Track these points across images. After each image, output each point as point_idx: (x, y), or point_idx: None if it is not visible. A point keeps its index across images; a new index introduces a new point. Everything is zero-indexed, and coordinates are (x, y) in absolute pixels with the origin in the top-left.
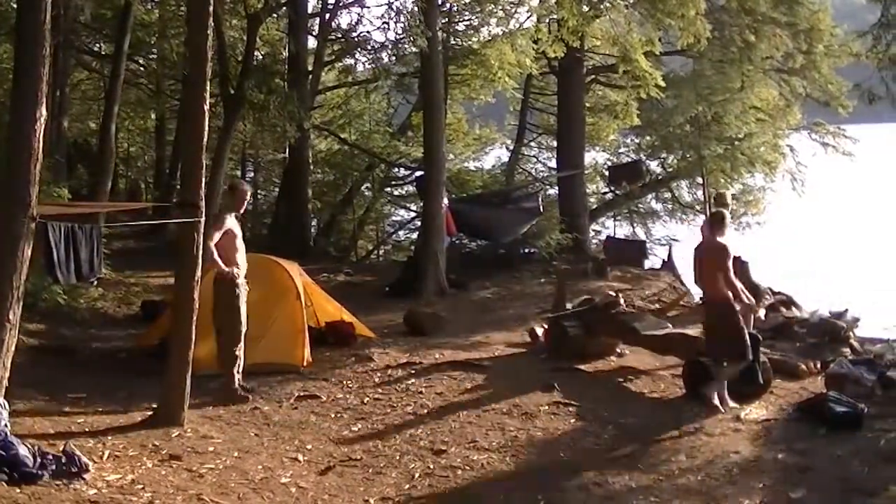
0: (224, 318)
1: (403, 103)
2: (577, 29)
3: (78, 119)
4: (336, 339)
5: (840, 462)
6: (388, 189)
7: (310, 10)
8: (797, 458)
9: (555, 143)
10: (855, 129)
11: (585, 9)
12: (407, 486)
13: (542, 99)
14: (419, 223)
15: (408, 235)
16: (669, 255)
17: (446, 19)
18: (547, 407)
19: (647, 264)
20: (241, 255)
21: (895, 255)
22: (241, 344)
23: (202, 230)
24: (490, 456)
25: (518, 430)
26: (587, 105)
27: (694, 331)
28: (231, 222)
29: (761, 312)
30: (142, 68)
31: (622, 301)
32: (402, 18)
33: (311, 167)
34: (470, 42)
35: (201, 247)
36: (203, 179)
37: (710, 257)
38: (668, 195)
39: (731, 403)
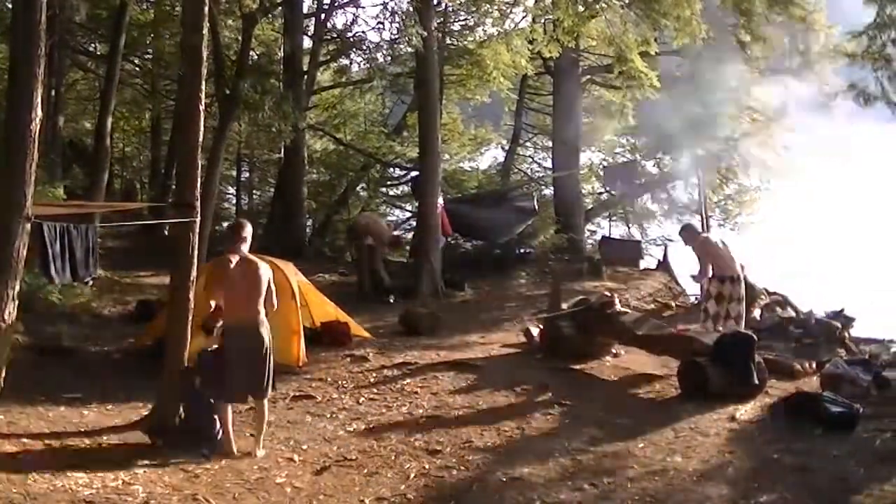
0: None
1: (399, 103)
2: (573, 29)
3: (73, 119)
4: (331, 340)
5: (836, 462)
6: (384, 189)
7: (305, 11)
8: (793, 459)
9: (550, 144)
10: (850, 129)
11: (581, 9)
12: (402, 486)
13: (538, 99)
14: (415, 223)
15: (403, 236)
16: (665, 256)
17: (441, 19)
18: (542, 407)
19: (643, 264)
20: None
21: (890, 255)
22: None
23: (197, 230)
24: (485, 456)
25: (513, 431)
26: (583, 105)
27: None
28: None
29: (757, 312)
30: (137, 68)
31: (617, 301)
32: (398, 18)
33: (307, 167)
34: (465, 42)
35: (196, 248)
36: (198, 179)
37: None
38: (663, 195)
39: None
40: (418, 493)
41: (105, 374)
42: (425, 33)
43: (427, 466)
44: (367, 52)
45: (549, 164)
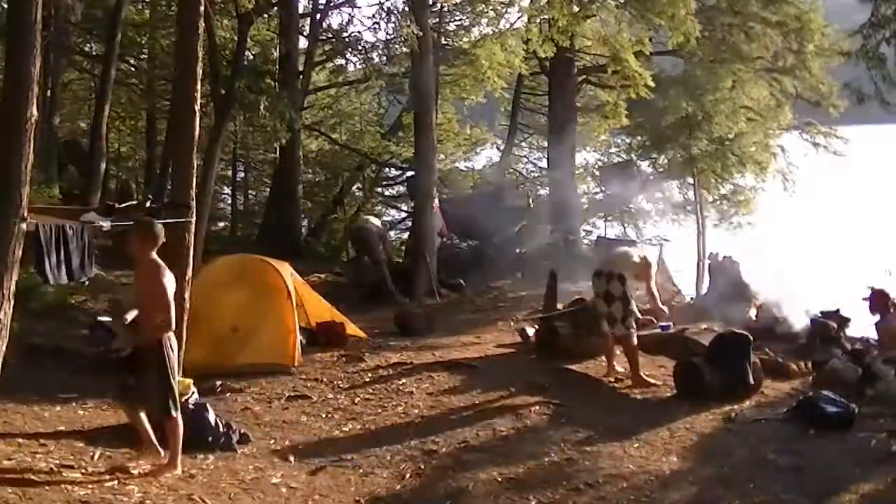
0: None
1: (394, 103)
2: (568, 29)
3: (69, 119)
4: (327, 340)
5: (831, 462)
6: (379, 189)
7: (301, 11)
8: (789, 459)
9: (545, 143)
10: (845, 129)
11: (576, 9)
12: (398, 486)
13: (533, 99)
14: (410, 223)
15: (399, 236)
16: (660, 255)
17: (437, 19)
18: (538, 407)
19: None
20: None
21: (886, 255)
22: None
23: (193, 230)
24: (481, 456)
25: (509, 430)
26: (578, 105)
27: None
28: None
29: (752, 312)
30: (133, 68)
31: None
32: (393, 19)
33: (302, 167)
34: (460, 42)
35: (191, 247)
36: (194, 179)
37: None
38: (658, 195)
39: None
40: (414, 493)
41: (100, 375)
42: (421, 33)
43: (422, 466)
44: (363, 52)
45: (544, 163)
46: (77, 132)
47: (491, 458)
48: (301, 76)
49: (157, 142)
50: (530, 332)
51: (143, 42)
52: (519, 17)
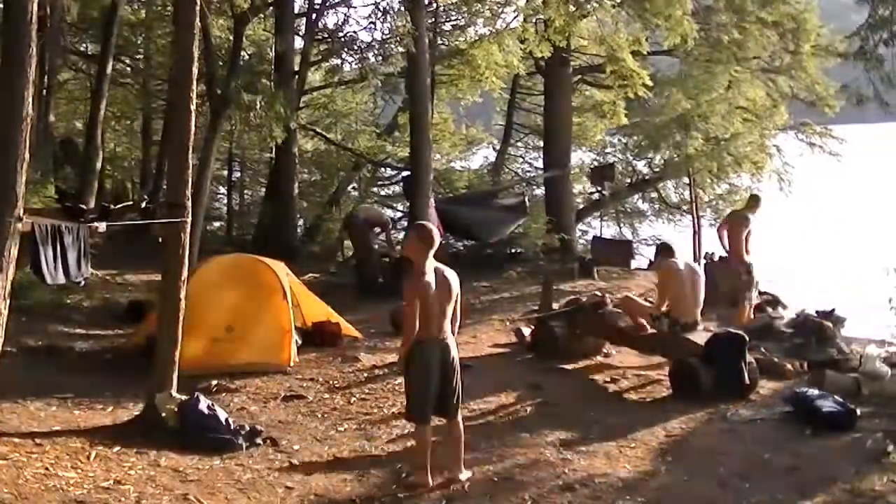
0: None
1: (390, 103)
2: (564, 29)
3: (64, 118)
4: (322, 340)
5: (827, 462)
6: (375, 189)
7: (296, 10)
8: (784, 459)
9: (541, 143)
10: (842, 129)
11: (572, 9)
12: (394, 485)
13: (529, 99)
14: (406, 223)
15: (394, 236)
16: (656, 255)
17: (433, 19)
18: (533, 407)
19: (634, 264)
20: None
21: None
22: None
23: (188, 229)
24: (476, 456)
25: (504, 430)
26: (574, 105)
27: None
28: None
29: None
30: (128, 68)
31: (609, 301)
32: (389, 18)
33: (298, 167)
34: (457, 42)
35: (187, 247)
36: (190, 179)
37: None
38: (654, 195)
39: None
40: (409, 492)
41: (96, 374)
42: (417, 33)
43: None
44: (359, 51)
45: (540, 163)
46: (73, 132)
47: (486, 458)
48: (296, 76)
49: (152, 141)
50: (526, 331)
51: (139, 42)
52: (515, 17)
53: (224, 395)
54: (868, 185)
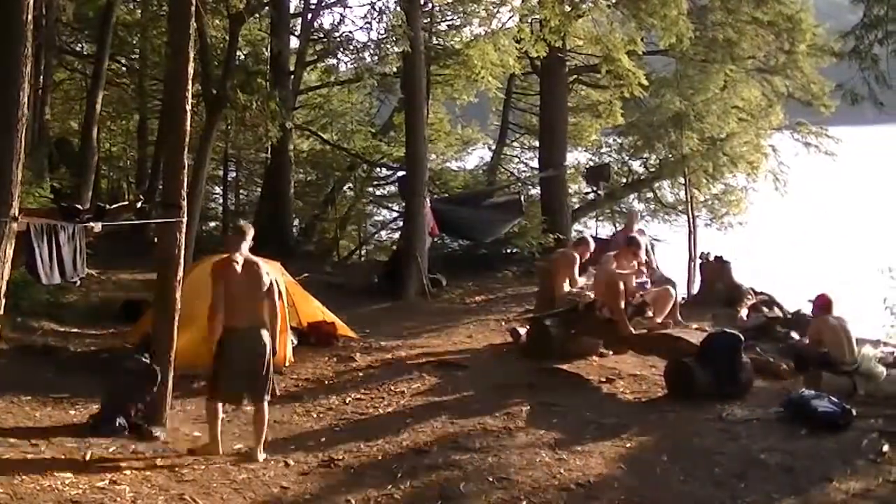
0: None
1: (385, 103)
2: (560, 29)
3: (60, 118)
4: (318, 339)
5: (822, 462)
6: (370, 189)
7: (292, 10)
8: (780, 458)
9: (537, 143)
10: (837, 130)
11: (567, 9)
12: (389, 485)
13: (525, 99)
14: (401, 223)
15: (390, 235)
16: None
17: (428, 19)
18: (528, 407)
19: None
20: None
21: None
22: None
23: (184, 230)
24: (472, 456)
25: (500, 430)
26: (569, 105)
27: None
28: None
29: (743, 312)
30: (124, 68)
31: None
32: (385, 18)
33: (293, 167)
34: (452, 42)
35: (183, 247)
36: (185, 179)
37: None
38: (650, 195)
39: None
40: (405, 492)
41: (92, 374)
42: (412, 33)
43: (414, 466)
44: (354, 51)
45: (535, 163)
46: (68, 132)
47: (482, 458)
48: (292, 76)
49: (148, 141)
50: (521, 331)
51: (135, 42)
52: (510, 17)
53: None
54: (863, 186)
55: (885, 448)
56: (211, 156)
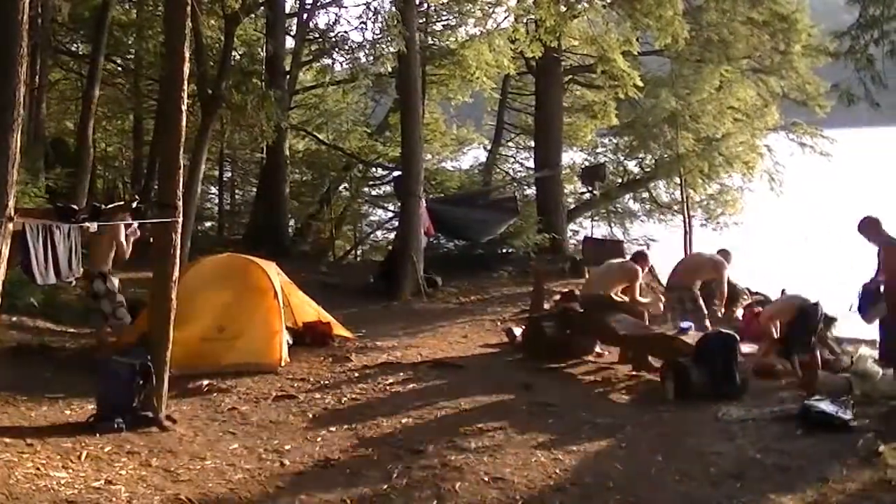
0: None
1: (381, 103)
2: (555, 29)
3: (55, 118)
4: (313, 340)
5: (818, 462)
6: (366, 189)
7: (287, 11)
8: (775, 458)
9: (532, 143)
10: (833, 133)
11: (563, 9)
12: (385, 486)
13: (520, 99)
14: (397, 223)
15: (385, 235)
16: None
17: (424, 19)
18: (524, 407)
19: None
20: None
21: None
22: None
23: (179, 229)
24: (468, 456)
25: (495, 430)
26: (565, 105)
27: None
28: None
29: (739, 312)
30: (119, 68)
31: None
32: (380, 18)
33: (289, 167)
34: (447, 42)
35: (178, 247)
36: (181, 179)
37: None
38: (645, 195)
39: None
40: (400, 493)
41: (87, 374)
42: (408, 33)
43: (409, 466)
44: (350, 51)
45: (531, 163)
46: (64, 132)
47: (477, 458)
48: (288, 76)
49: (143, 141)
50: (517, 331)
51: (130, 42)
52: (506, 17)
53: (216, 394)
54: (859, 187)
55: (881, 448)
56: (206, 156)
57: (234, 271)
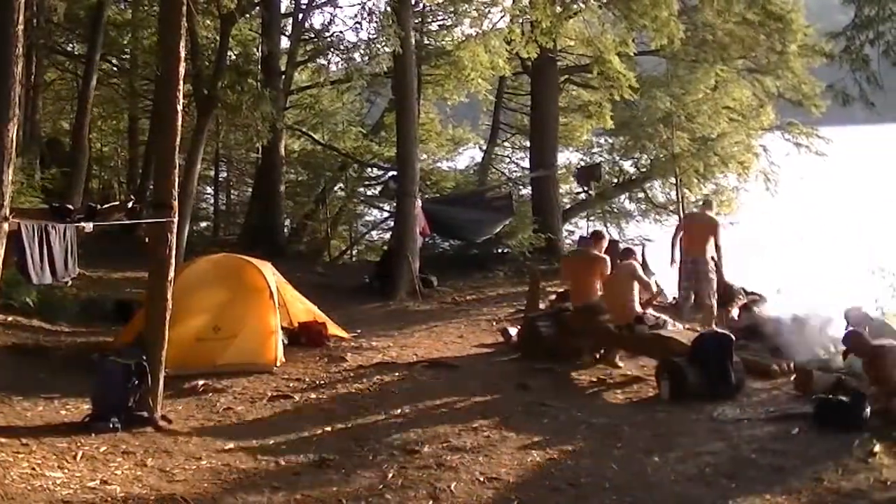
0: None
1: (376, 103)
2: (551, 30)
3: (51, 118)
4: (309, 340)
5: (813, 462)
6: (361, 189)
7: (283, 10)
8: (770, 458)
9: (528, 143)
10: (829, 131)
11: (559, 9)
12: (380, 485)
13: (516, 99)
14: (392, 223)
15: (381, 235)
16: (643, 255)
17: (419, 19)
18: (520, 407)
19: None
20: None
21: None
22: None
23: (175, 230)
24: (463, 456)
25: (490, 430)
26: (560, 105)
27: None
28: None
29: (734, 312)
30: (115, 68)
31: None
32: (375, 18)
33: (284, 167)
34: (443, 42)
35: (174, 247)
36: (176, 179)
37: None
38: (641, 195)
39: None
40: (395, 492)
41: (83, 374)
42: (403, 33)
43: (405, 466)
44: (345, 51)
45: (526, 163)
46: (59, 132)
47: (473, 458)
48: (283, 76)
49: (139, 141)
50: (512, 331)
51: (126, 42)
52: (501, 18)
53: (211, 394)
54: (855, 186)
55: (877, 448)
56: (202, 156)
57: (230, 271)
